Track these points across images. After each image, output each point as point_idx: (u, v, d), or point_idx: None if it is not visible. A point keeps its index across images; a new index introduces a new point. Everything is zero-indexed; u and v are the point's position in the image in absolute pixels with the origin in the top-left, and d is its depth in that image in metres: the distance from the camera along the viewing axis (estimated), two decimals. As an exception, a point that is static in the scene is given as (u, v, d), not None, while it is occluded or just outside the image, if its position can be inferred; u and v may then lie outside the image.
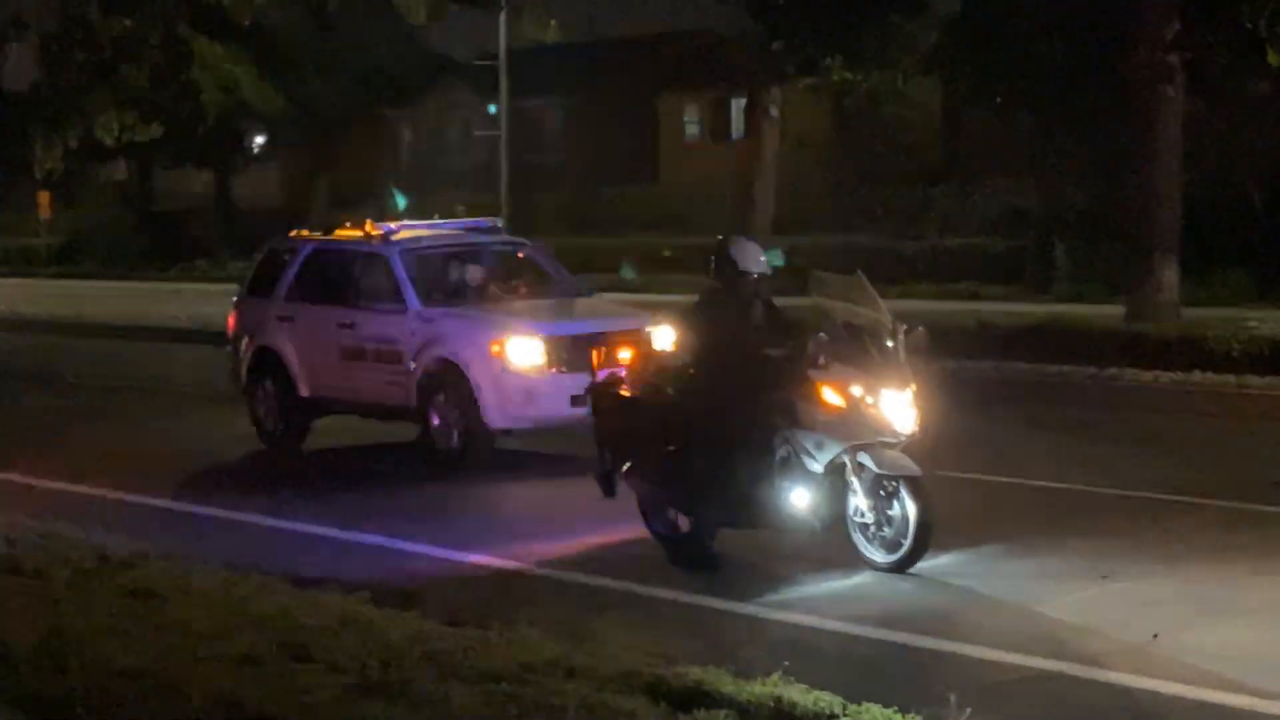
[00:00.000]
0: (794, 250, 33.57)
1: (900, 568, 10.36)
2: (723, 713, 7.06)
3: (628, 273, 25.41)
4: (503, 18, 40.43)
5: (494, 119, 45.76)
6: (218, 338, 19.96)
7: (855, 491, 10.50)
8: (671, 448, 10.95)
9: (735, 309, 10.99)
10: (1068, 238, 33.43)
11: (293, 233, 17.81)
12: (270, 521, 12.95)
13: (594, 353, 12.70)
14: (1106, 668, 8.28)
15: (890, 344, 10.54)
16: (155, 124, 43.97)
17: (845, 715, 6.99)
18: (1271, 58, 20.36)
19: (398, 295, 15.59)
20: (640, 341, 14.11)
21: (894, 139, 43.96)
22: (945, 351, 18.88)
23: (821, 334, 10.77)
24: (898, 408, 10.47)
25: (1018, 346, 20.14)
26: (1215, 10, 21.36)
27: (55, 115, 44.18)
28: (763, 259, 11.14)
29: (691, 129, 54.70)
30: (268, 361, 16.66)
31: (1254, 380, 17.49)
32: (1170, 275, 21.61)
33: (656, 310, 15.85)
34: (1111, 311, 22.67)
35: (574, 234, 44.99)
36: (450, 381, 15.01)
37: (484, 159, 51.61)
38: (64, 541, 10.65)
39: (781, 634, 9.20)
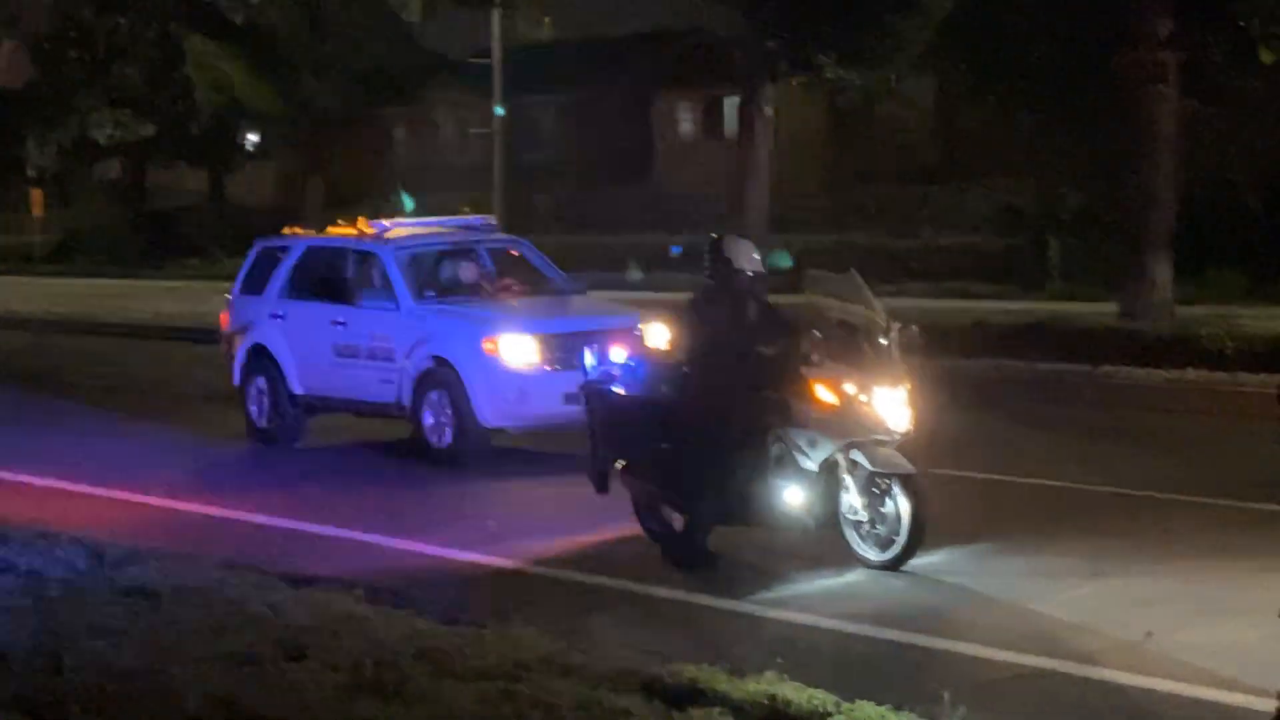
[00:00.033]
0: (788, 248, 33.65)
1: (894, 565, 10.36)
2: (717, 710, 7.07)
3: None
4: (497, 16, 40.44)
5: (489, 118, 45.72)
6: (212, 336, 19.97)
7: (849, 489, 10.50)
8: (665, 445, 10.95)
9: (729, 307, 10.99)
10: (1062, 236, 33.46)
11: (286, 230, 17.82)
12: (264, 520, 12.95)
13: (587, 350, 12.68)
14: (1101, 665, 8.29)
15: (884, 342, 10.56)
16: (149, 122, 43.97)
17: (839, 713, 7.00)
18: (1265, 56, 20.37)
19: (390, 293, 15.60)
20: (633, 339, 14.14)
21: (888, 137, 43.99)
22: (939, 350, 18.90)
23: (815, 332, 10.79)
24: (891, 406, 10.48)
25: (1012, 345, 20.14)
26: (1210, 9, 21.35)
27: (49, 113, 44.19)
28: (756, 256, 11.14)
29: (686, 127, 54.69)
30: (261, 359, 16.67)
31: (1248, 378, 17.49)
32: (1164, 273, 21.62)
33: (652, 307, 15.85)
34: (1106, 310, 22.68)
35: (569, 232, 45.00)
36: (443, 379, 15.02)
37: (479, 157, 51.59)
38: (59, 540, 10.63)
39: (775, 632, 9.21)
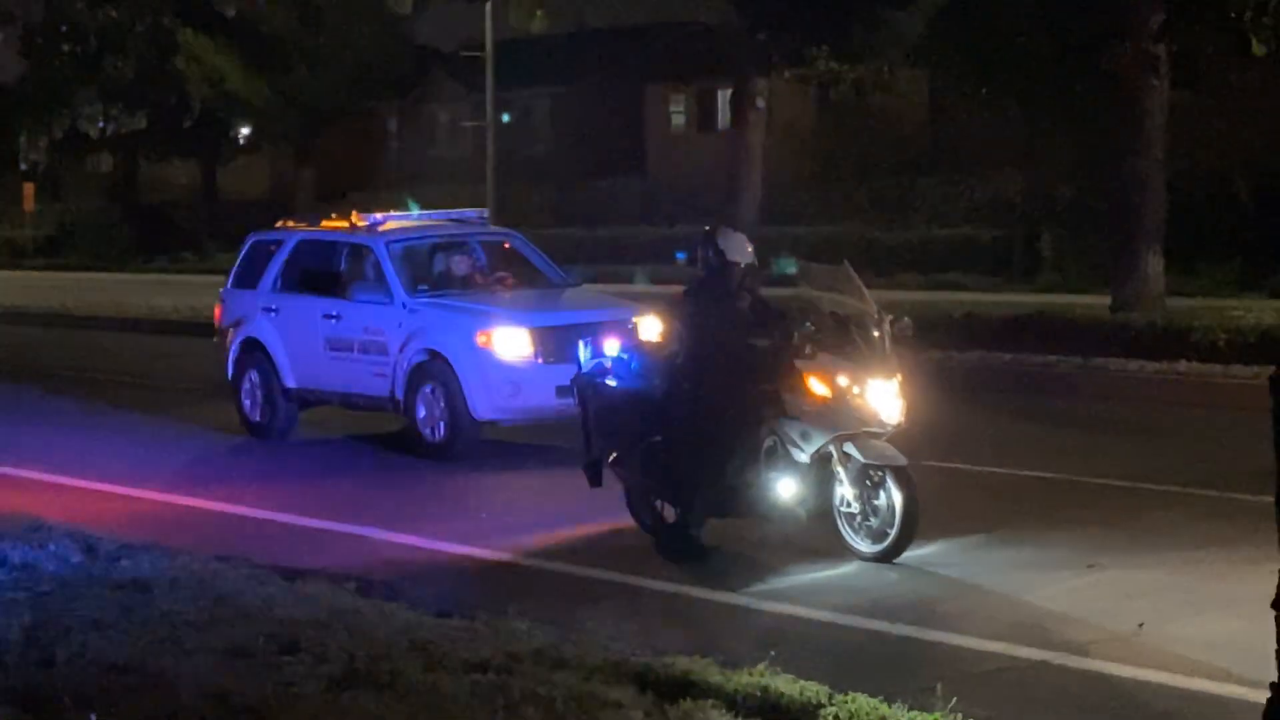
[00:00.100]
0: (780, 240, 33.66)
1: (886, 557, 10.37)
2: (710, 702, 7.07)
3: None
4: (489, 8, 40.41)
5: (481, 111, 45.67)
6: (204, 329, 19.96)
7: (841, 481, 10.51)
8: (658, 438, 10.96)
9: (722, 299, 10.99)
10: (1054, 228, 33.50)
11: (279, 223, 17.82)
12: (257, 513, 12.95)
13: (580, 343, 12.69)
14: (1093, 657, 8.30)
15: (876, 334, 10.56)
16: (141, 115, 43.94)
17: (832, 705, 7.00)
18: (1256, 48, 20.38)
19: (384, 286, 15.59)
20: (627, 332, 14.13)
21: (881, 130, 43.97)
22: (931, 342, 18.93)
23: (808, 324, 10.80)
24: (884, 398, 10.49)
25: (1003, 337, 20.16)
26: (1201, 1, 21.37)
27: (40, 107, 44.13)
28: (749, 249, 11.15)
29: (679, 120, 54.67)
30: (254, 353, 16.66)
31: (1240, 370, 17.51)
32: (1156, 266, 21.65)
33: (644, 301, 15.86)
34: (1097, 302, 22.72)
35: (561, 225, 45.00)
36: (436, 372, 15.02)
37: (471, 150, 51.55)
38: (52, 533, 10.62)
39: (768, 624, 9.21)
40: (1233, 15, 20.52)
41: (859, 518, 10.49)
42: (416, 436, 15.25)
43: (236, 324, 16.94)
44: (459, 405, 14.85)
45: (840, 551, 10.54)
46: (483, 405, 14.84)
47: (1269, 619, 5.46)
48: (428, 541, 11.64)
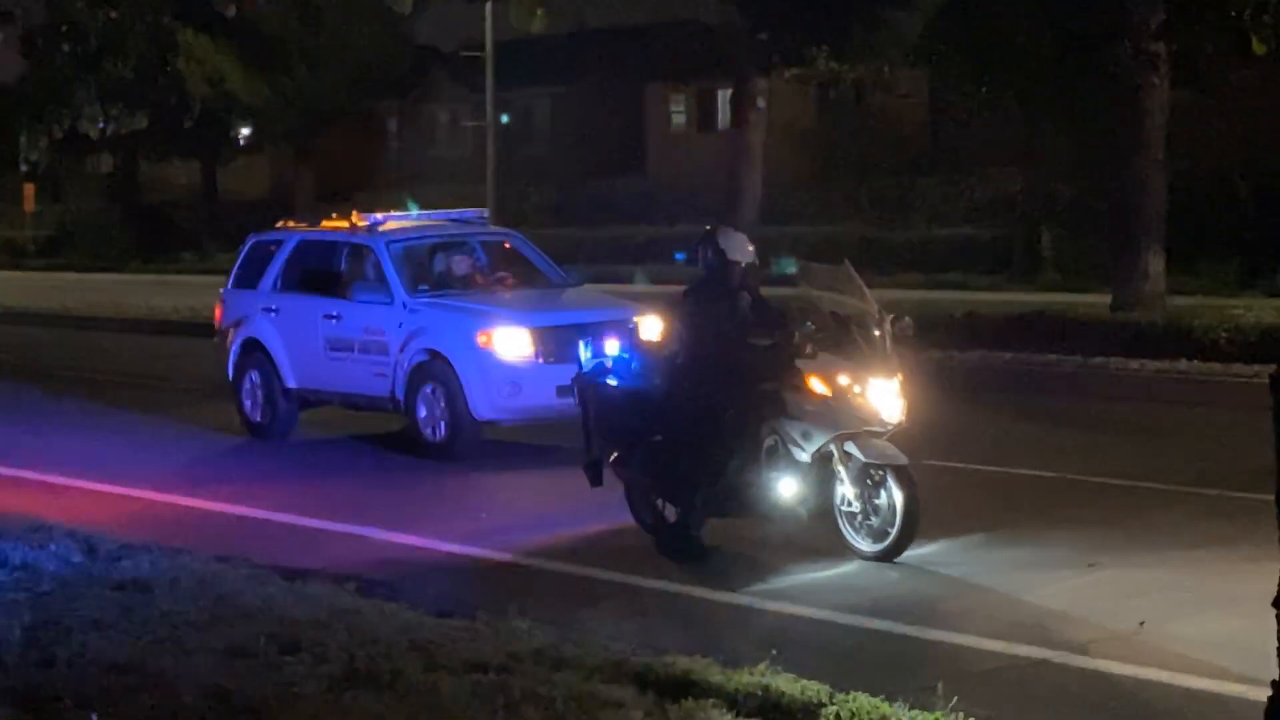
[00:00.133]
0: (780, 240, 33.65)
1: (887, 556, 10.37)
2: (710, 702, 7.07)
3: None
4: (489, 8, 40.39)
5: (481, 111, 45.68)
6: (204, 330, 19.96)
7: (842, 481, 10.51)
8: (659, 437, 10.96)
9: (723, 299, 10.99)
10: (1054, 227, 33.50)
11: (279, 224, 17.82)
12: (257, 513, 12.94)
13: (581, 343, 12.69)
14: (1094, 656, 8.30)
15: (877, 333, 10.56)
16: (141, 116, 43.92)
17: (833, 704, 7.00)
18: (1256, 47, 20.37)
19: (384, 286, 15.59)
20: (627, 331, 14.13)
21: (881, 129, 43.99)
22: (931, 341, 18.93)
23: (809, 324, 10.80)
24: (884, 397, 10.49)
25: (1004, 336, 20.16)
26: (1201, 1, 21.36)
27: (40, 107, 44.10)
28: (750, 248, 11.15)
29: (679, 119, 54.68)
30: (254, 353, 16.66)
31: (1240, 369, 17.51)
32: (1156, 264, 21.64)
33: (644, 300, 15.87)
34: (1098, 301, 22.71)
35: (561, 224, 45.00)
36: (437, 372, 15.01)
37: (471, 150, 51.57)
38: (52, 533, 10.62)
39: (769, 623, 9.21)
40: (1233, 14, 20.51)
41: (860, 517, 10.49)
42: (417, 436, 15.25)
43: (237, 324, 16.94)
44: (459, 405, 14.84)
45: (841, 551, 10.53)
46: (483, 405, 14.83)
47: (1269, 617, 5.45)
48: (428, 541, 11.64)
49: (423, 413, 15.13)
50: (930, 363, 17.82)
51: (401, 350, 15.27)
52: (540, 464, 14.74)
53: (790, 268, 11.42)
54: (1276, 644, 5.41)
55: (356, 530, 12.13)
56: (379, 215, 16.62)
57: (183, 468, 15.39)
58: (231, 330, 16.99)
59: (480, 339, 14.84)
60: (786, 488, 10.60)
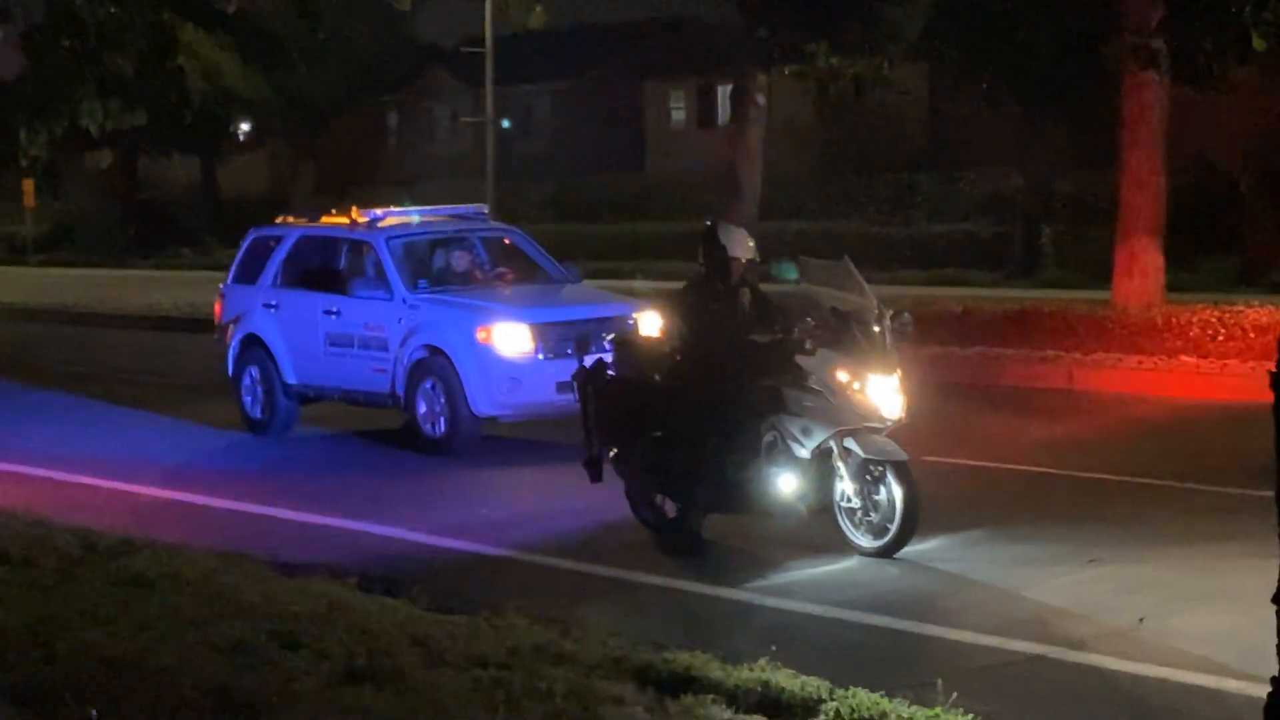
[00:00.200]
0: (780, 236, 33.66)
1: (886, 552, 10.38)
2: (710, 698, 7.08)
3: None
4: (488, 4, 40.37)
5: (481, 107, 45.65)
6: (204, 325, 19.96)
7: (842, 476, 10.52)
8: (659, 433, 10.97)
9: (722, 295, 11.00)
10: (1053, 223, 33.51)
11: (279, 219, 17.81)
12: (257, 509, 12.95)
13: (580, 339, 12.71)
14: (1093, 652, 8.31)
15: (876, 329, 10.56)
16: (140, 111, 43.85)
17: (832, 700, 7.01)
18: (1256, 43, 20.36)
19: (384, 282, 15.59)
20: (627, 327, 14.15)
21: (880, 126, 43.99)
22: (931, 337, 18.92)
23: (808, 319, 10.80)
24: (884, 393, 10.50)
25: (1003, 332, 20.16)
26: (1200, -5, 21.36)
27: (40, 103, 44.02)
28: (751, 244, 11.15)
29: (678, 115, 54.68)
30: (254, 349, 16.67)
31: (1238, 366, 17.51)
32: (1155, 261, 21.63)
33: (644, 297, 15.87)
34: (1097, 297, 22.71)
35: (560, 220, 45.00)
36: (437, 368, 15.02)
37: (471, 146, 51.57)
38: (52, 530, 10.63)
39: (769, 619, 9.22)
40: (1232, 10, 20.50)
41: (859, 513, 10.49)
42: (416, 432, 15.25)
43: (237, 320, 16.94)
44: (459, 401, 14.85)
45: (841, 546, 10.54)
46: (483, 401, 14.84)
47: (1268, 614, 5.45)
48: (427, 537, 11.64)
49: (422, 408, 15.14)
50: (929, 359, 17.82)
51: (401, 346, 15.28)
52: (540, 460, 14.75)
53: (791, 273, 11.40)
54: (1276, 640, 5.41)
55: (356, 526, 12.14)
56: (378, 211, 16.62)
57: (182, 463, 15.39)
58: (231, 326, 16.99)
59: (480, 335, 14.85)
60: (786, 483, 10.61)
